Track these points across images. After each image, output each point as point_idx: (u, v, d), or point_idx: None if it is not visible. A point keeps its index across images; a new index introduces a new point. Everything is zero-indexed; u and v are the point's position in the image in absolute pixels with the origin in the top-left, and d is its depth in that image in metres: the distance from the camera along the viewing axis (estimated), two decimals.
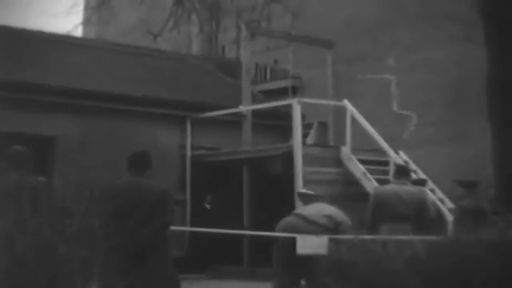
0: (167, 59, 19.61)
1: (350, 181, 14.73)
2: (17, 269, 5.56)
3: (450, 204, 13.32)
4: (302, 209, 9.34)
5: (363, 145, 15.21)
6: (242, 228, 14.99)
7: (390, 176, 13.48)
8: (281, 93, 19.68)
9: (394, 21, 18.64)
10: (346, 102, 15.56)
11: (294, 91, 20.03)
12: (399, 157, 14.71)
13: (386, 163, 14.55)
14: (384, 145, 14.76)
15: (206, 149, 16.90)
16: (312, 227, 8.53)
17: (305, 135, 16.57)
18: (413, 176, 12.27)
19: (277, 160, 15.52)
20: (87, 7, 17.74)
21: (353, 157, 14.88)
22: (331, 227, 8.61)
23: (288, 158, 14.71)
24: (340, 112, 16.23)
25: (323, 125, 18.18)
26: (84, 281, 5.60)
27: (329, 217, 8.73)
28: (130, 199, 6.83)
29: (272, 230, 8.99)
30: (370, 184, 14.01)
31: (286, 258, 8.48)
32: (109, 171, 8.24)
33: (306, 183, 14.29)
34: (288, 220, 8.98)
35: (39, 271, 5.48)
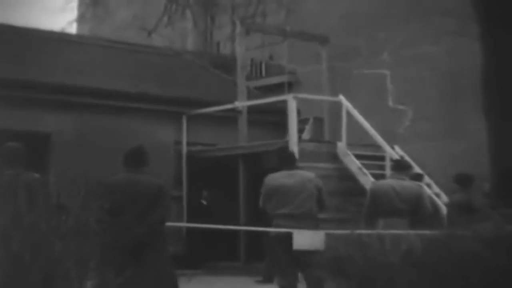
0: (162, 55, 19.59)
1: (346, 176, 14.74)
2: (13, 266, 5.55)
3: (446, 199, 13.33)
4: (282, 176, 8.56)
5: (359, 140, 15.22)
6: (239, 224, 14.99)
7: (388, 171, 13.52)
8: (277, 89, 19.65)
9: (388, 17, 18.63)
10: (342, 98, 15.57)
11: (290, 86, 20.00)
12: (394, 152, 14.72)
13: (382, 158, 14.58)
14: (380, 140, 14.77)
15: (202, 145, 16.89)
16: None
17: (300, 131, 16.56)
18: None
19: (273, 155, 15.49)
20: (81, 4, 17.70)
21: (349, 152, 14.89)
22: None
23: None
24: (336, 108, 16.23)
25: (318, 121, 18.16)
26: (80, 277, 5.59)
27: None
28: (126, 194, 6.82)
29: (269, 225, 8.95)
30: (366, 179, 14.02)
31: (284, 253, 8.33)
32: (104, 167, 8.21)
33: None
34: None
35: (35, 267, 5.47)
